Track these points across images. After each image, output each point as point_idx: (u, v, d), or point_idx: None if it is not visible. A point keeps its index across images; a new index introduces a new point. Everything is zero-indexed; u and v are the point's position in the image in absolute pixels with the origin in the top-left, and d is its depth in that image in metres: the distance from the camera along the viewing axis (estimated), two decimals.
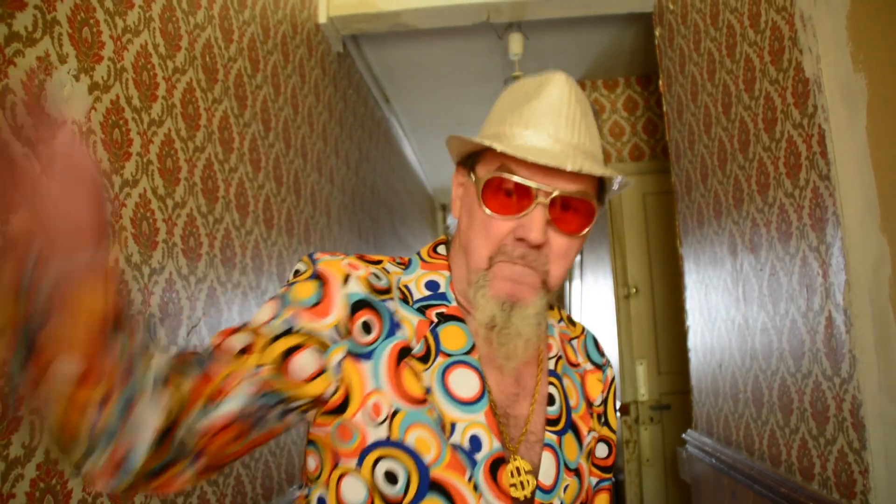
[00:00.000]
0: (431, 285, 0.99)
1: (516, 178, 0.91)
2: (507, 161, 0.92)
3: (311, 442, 0.93)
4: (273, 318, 0.85)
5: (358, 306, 0.90)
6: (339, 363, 0.87)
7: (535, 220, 0.90)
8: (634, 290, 4.26)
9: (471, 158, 1.02)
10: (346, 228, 3.23)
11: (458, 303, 0.98)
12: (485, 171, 0.96)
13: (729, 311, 2.45)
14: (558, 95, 0.96)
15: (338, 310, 0.89)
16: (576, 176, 0.92)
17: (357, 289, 0.91)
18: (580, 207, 0.95)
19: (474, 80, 4.38)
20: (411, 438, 0.87)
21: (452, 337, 0.95)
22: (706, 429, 2.76)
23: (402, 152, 5.40)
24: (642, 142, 4.46)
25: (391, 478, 0.87)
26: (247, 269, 1.94)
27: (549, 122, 0.93)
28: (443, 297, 0.98)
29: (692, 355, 2.93)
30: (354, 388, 0.87)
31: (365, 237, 3.67)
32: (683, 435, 2.99)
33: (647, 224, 4.32)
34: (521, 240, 0.91)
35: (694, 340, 2.89)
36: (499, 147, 0.90)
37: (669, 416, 4.16)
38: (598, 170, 0.91)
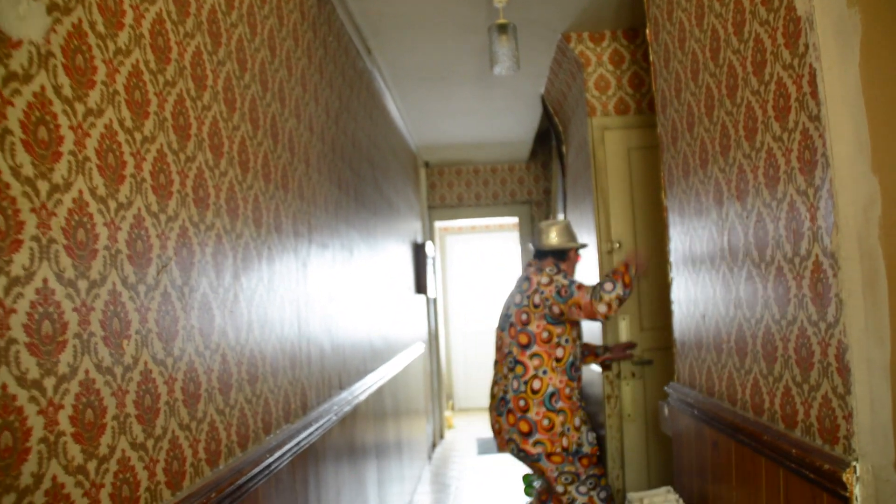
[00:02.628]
0: None
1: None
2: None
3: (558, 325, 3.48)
4: None
5: None
6: None
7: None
8: (618, 244, 4.24)
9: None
10: (326, 177, 3.17)
11: None
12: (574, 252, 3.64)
13: (714, 260, 2.43)
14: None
15: None
16: None
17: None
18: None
19: (459, 31, 4.29)
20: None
21: None
22: (688, 381, 2.75)
23: (384, 106, 5.31)
24: (628, 96, 4.40)
25: (580, 335, 3.35)
26: (221, 212, 1.88)
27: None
28: None
29: (675, 307, 2.91)
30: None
31: (345, 189, 3.61)
32: (665, 388, 2.98)
33: (631, 179, 4.28)
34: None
35: (677, 293, 2.87)
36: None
37: (651, 372, 4.16)
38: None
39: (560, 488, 3.45)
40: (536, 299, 3.55)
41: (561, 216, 6.48)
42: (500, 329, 3.71)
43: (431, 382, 7.75)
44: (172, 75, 1.66)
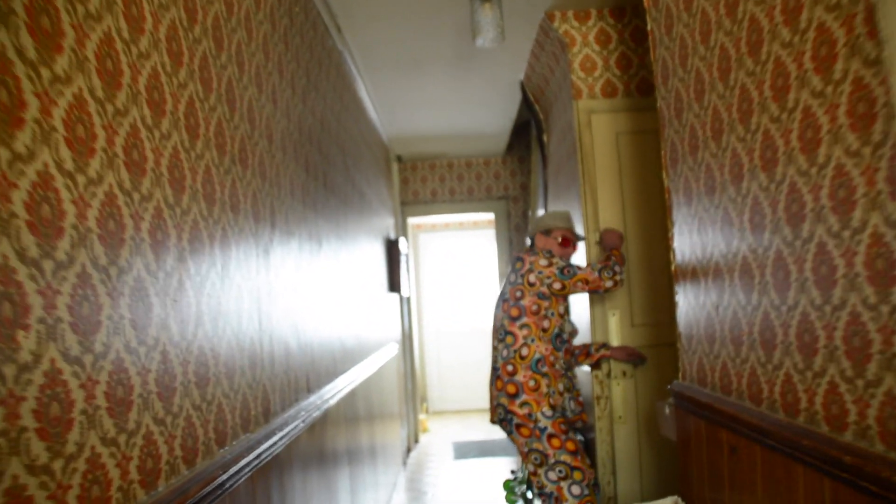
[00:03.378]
0: None
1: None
2: (566, 232, 3.72)
3: (547, 299, 3.61)
4: None
5: None
6: None
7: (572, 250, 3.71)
8: (597, 239, 3.97)
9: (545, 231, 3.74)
10: (291, 158, 2.85)
11: None
12: (557, 234, 3.72)
13: (731, 243, 2.16)
14: (566, 213, 3.78)
15: None
16: None
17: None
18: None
19: (433, 9, 3.99)
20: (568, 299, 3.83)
21: None
22: (697, 378, 2.48)
23: (355, 92, 5.00)
24: (615, 77, 4.13)
25: (567, 310, 3.76)
26: (162, 181, 1.56)
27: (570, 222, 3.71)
28: None
29: (680, 298, 2.63)
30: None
31: (314, 173, 3.29)
32: (669, 387, 2.71)
33: (619, 165, 4.01)
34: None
35: (683, 282, 2.60)
36: (566, 227, 3.74)
37: (643, 371, 3.89)
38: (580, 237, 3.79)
39: (531, 467, 3.46)
40: (532, 278, 3.58)
41: (541, 211, 6.22)
42: (496, 308, 3.78)
43: (405, 384, 7.44)
44: (97, 7, 1.34)
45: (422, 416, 8.63)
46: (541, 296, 3.54)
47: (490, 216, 8.72)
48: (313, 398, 2.87)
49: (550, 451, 3.38)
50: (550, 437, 3.39)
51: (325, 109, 3.75)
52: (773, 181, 1.86)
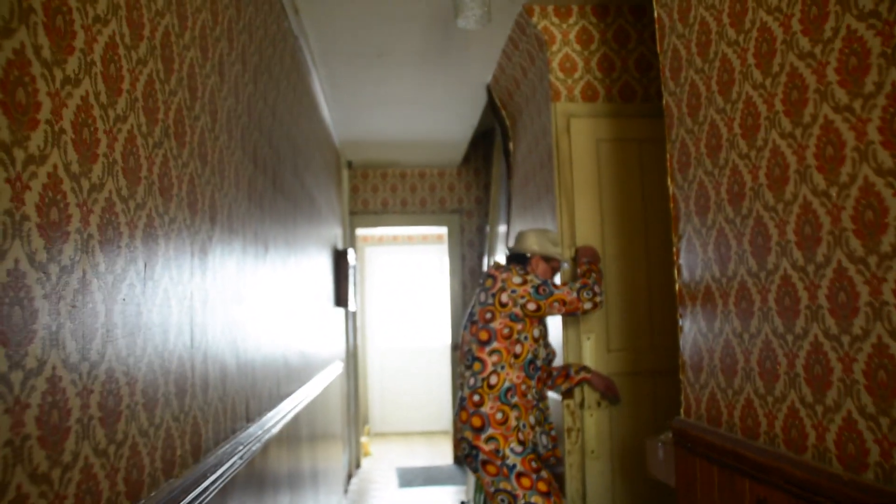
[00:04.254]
0: None
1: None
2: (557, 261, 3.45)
3: (520, 321, 3.24)
4: None
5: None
6: None
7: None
8: (566, 264, 3.63)
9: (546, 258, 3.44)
10: (238, 145, 2.43)
11: None
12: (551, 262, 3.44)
13: (763, 259, 1.82)
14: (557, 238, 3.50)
15: None
16: None
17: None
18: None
19: None
20: (545, 321, 3.39)
21: None
22: (708, 416, 2.14)
23: (308, 84, 4.58)
24: (596, 80, 3.81)
25: (544, 333, 3.35)
26: (62, 142, 1.14)
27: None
28: None
29: (686, 322, 2.29)
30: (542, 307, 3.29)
31: (262, 167, 2.87)
32: (673, 421, 2.36)
33: (599, 176, 3.68)
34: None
35: (689, 305, 2.26)
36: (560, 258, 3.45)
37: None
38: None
39: None
40: (504, 298, 3.22)
41: (503, 227, 5.87)
42: (464, 329, 3.43)
43: (348, 405, 6.97)
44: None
45: (363, 439, 8.16)
46: (513, 317, 3.18)
47: (441, 231, 8.36)
48: (253, 428, 2.43)
49: (520, 492, 3.01)
50: (520, 476, 3.02)
51: (277, 97, 3.33)
52: (836, 182, 1.53)
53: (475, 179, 7.81)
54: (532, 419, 3.14)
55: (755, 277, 1.87)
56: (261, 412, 2.64)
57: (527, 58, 4.20)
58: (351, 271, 6.52)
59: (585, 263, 3.42)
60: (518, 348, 3.17)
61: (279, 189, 3.36)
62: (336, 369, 5.59)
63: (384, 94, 5.33)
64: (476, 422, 3.10)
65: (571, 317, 3.53)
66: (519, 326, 3.17)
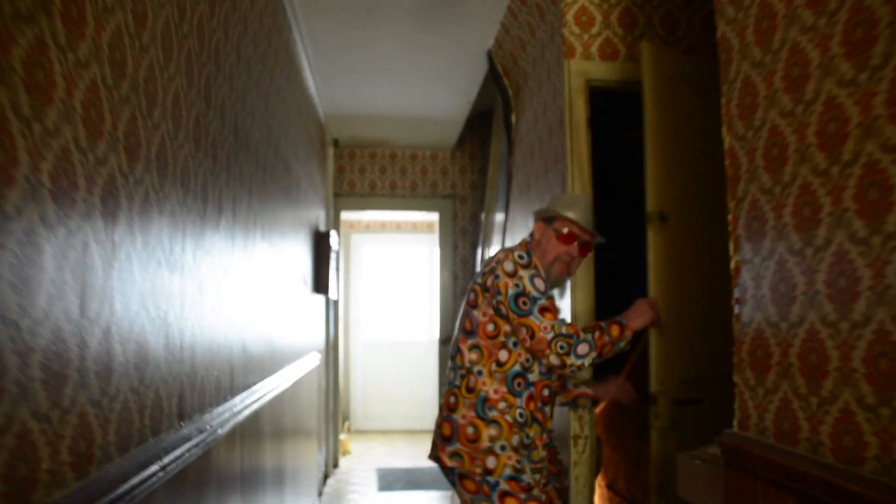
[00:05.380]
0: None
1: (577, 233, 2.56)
2: (573, 226, 2.54)
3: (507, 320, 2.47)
4: None
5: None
6: None
7: (576, 251, 2.57)
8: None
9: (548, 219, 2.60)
10: (196, 90, 1.92)
11: None
12: (561, 225, 2.56)
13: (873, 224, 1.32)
14: (585, 202, 2.60)
15: None
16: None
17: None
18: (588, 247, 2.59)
19: None
20: None
21: None
22: (779, 431, 1.64)
23: (290, 47, 4.06)
24: (616, 37, 3.32)
25: None
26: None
27: (586, 215, 2.57)
28: None
29: (745, 308, 1.80)
30: None
31: (218, 107, 2.36)
32: (723, 435, 1.86)
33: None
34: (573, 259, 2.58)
35: (753, 287, 1.76)
36: (576, 219, 2.55)
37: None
38: (597, 239, 2.61)
39: None
40: (489, 281, 2.50)
41: (500, 216, 5.36)
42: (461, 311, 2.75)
43: (327, 401, 6.46)
44: None
45: (343, 437, 7.65)
46: (500, 312, 2.48)
47: (432, 218, 7.83)
48: (189, 429, 1.92)
49: None
50: (504, 496, 2.38)
51: (252, 55, 2.82)
52: None
53: (470, 163, 7.30)
54: (515, 440, 2.44)
55: (864, 245, 1.37)
56: (203, 408, 2.13)
57: (535, 14, 3.69)
58: (333, 256, 6.00)
59: (617, 323, 2.44)
60: (503, 355, 2.48)
61: (246, 147, 2.84)
62: (312, 361, 5.07)
63: (372, 59, 4.81)
64: (445, 430, 2.50)
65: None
66: (508, 328, 2.48)
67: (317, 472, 5.68)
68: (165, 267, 1.79)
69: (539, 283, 2.46)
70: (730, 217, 1.88)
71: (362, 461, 7.27)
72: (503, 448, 2.41)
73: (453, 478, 2.50)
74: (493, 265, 2.53)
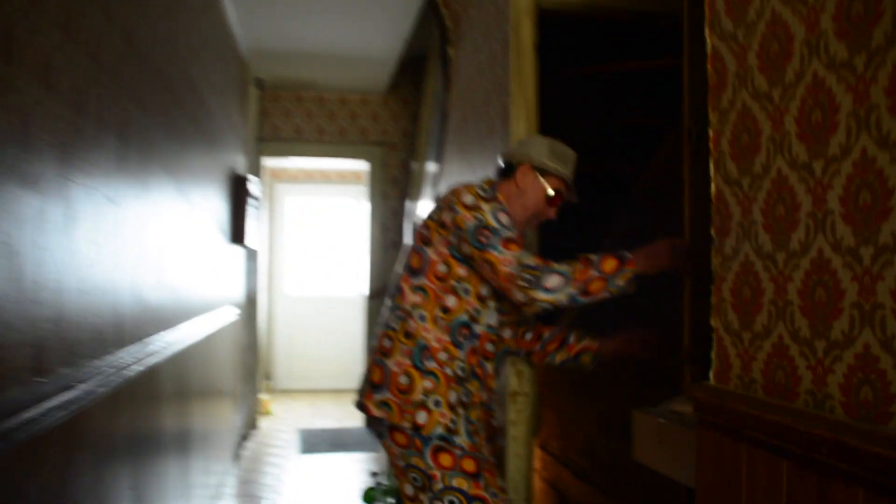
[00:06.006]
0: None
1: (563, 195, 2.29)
2: (563, 186, 2.27)
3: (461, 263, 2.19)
4: None
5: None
6: None
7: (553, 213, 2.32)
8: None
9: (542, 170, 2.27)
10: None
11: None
12: (554, 182, 2.26)
13: None
14: (573, 156, 2.30)
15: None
16: None
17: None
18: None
19: None
20: None
21: None
22: (770, 383, 1.37)
23: None
24: None
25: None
26: None
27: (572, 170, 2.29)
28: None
29: (727, 240, 1.52)
30: None
31: (121, 27, 1.94)
32: (693, 388, 1.58)
33: None
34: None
35: (740, 213, 1.49)
36: (568, 179, 2.28)
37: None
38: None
39: (409, 489, 2.15)
40: (447, 217, 2.19)
41: (433, 166, 5.02)
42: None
43: (245, 358, 6.07)
44: None
45: (264, 396, 7.27)
46: (455, 252, 2.19)
47: (361, 167, 7.40)
48: (51, 386, 1.55)
49: (437, 472, 2.10)
50: (438, 451, 2.11)
51: None
52: None
53: (403, 109, 6.91)
54: (453, 396, 2.16)
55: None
56: (73, 362, 1.75)
57: None
58: (253, 204, 5.57)
59: (617, 257, 2.06)
60: (451, 300, 2.20)
61: (141, 57, 2.42)
62: (227, 315, 4.68)
63: None
64: (376, 375, 2.20)
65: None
66: (462, 272, 2.19)
67: (233, 434, 5.32)
68: (12, 178, 1.40)
69: (504, 217, 2.15)
70: (710, 132, 1.59)
71: (284, 422, 6.92)
72: (437, 403, 2.12)
73: (381, 429, 2.18)
74: (450, 199, 2.21)
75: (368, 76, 6.36)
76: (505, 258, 2.07)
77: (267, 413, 7.20)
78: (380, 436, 2.21)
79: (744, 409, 1.39)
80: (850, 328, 1.18)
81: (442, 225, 2.20)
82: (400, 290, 2.26)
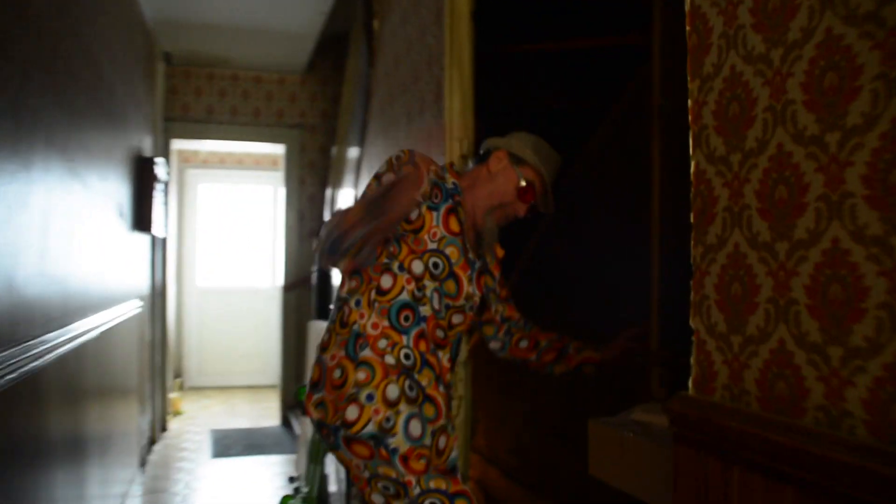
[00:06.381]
0: (455, 187, 1.97)
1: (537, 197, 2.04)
2: (540, 186, 2.03)
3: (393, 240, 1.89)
4: None
5: (432, 183, 1.90)
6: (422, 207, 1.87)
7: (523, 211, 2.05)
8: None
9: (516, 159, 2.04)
10: None
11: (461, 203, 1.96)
12: (528, 174, 2.02)
13: None
14: (557, 162, 2.05)
15: (426, 183, 1.74)
16: None
17: (433, 175, 1.91)
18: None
19: None
20: (447, 250, 1.89)
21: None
22: (769, 395, 1.17)
23: None
24: None
25: (436, 266, 1.88)
26: None
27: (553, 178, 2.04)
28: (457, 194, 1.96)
29: (710, 227, 1.31)
30: (427, 221, 1.88)
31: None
32: (672, 400, 1.37)
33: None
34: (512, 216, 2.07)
35: (727, 194, 1.28)
36: (547, 180, 2.03)
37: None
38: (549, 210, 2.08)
39: (378, 499, 1.86)
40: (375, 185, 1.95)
41: (354, 151, 4.72)
42: None
43: (152, 355, 5.64)
44: None
45: (174, 395, 6.83)
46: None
47: (278, 151, 6.99)
48: None
49: (411, 478, 1.80)
50: (406, 458, 1.82)
51: None
52: None
53: (322, 90, 6.56)
54: (392, 392, 1.86)
55: None
56: None
57: None
58: (160, 188, 5.15)
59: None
60: (386, 280, 1.92)
61: (16, 10, 2.06)
62: (130, 309, 4.28)
63: None
64: (314, 374, 1.95)
65: None
66: (392, 247, 1.93)
67: (139, 438, 4.91)
68: None
69: (409, 163, 1.89)
70: (689, 103, 1.38)
71: (196, 422, 6.50)
72: (370, 398, 1.82)
73: (336, 440, 1.86)
74: (386, 165, 1.94)
75: (286, 53, 5.99)
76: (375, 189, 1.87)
77: (178, 413, 6.76)
78: (334, 447, 1.92)
79: (735, 425, 1.19)
80: (876, 332, 0.98)
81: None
82: (341, 280, 2.00)
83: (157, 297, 5.76)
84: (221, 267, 8.42)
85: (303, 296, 6.40)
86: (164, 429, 6.12)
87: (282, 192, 6.71)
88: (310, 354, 5.74)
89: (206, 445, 5.65)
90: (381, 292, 1.90)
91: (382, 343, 1.88)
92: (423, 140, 2.86)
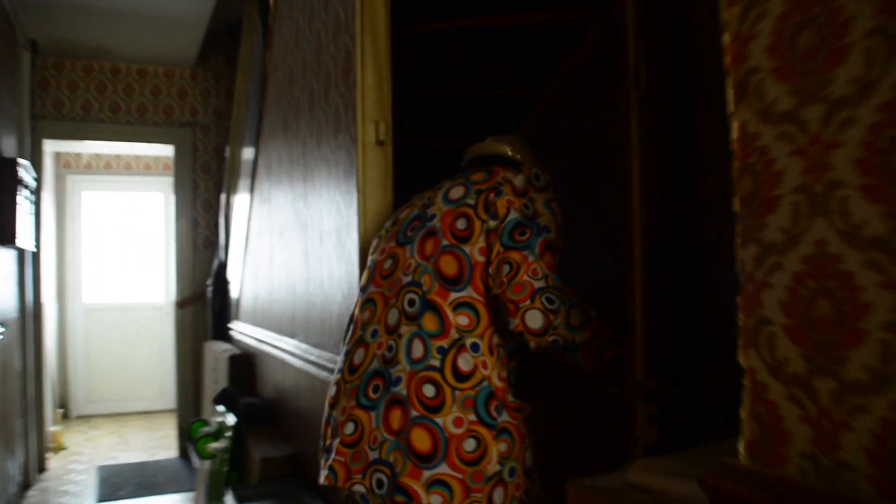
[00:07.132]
0: None
1: None
2: None
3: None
4: None
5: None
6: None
7: None
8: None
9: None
10: None
11: None
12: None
13: None
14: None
15: None
16: None
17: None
18: None
19: None
20: None
21: None
22: (871, 470, 0.75)
23: None
24: None
25: None
26: None
27: None
28: None
29: (773, 219, 0.88)
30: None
31: None
32: (715, 469, 0.94)
33: None
34: None
35: (797, 168, 0.85)
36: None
37: None
38: None
39: None
40: (501, 205, 1.57)
41: (249, 151, 4.18)
42: (384, 246, 1.75)
43: (24, 386, 4.91)
44: None
45: (56, 428, 6.06)
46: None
47: (168, 151, 6.30)
48: None
49: None
50: None
51: None
52: None
53: (216, 85, 5.95)
54: (528, 457, 1.55)
55: None
56: None
57: None
58: (26, 194, 4.46)
59: (611, 328, 1.65)
60: (513, 322, 1.54)
61: None
62: None
63: None
64: (421, 441, 1.47)
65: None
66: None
67: (3, 485, 4.20)
68: None
69: (557, 208, 1.61)
70: (725, 38, 0.95)
71: (81, 458, 5.76)
72: (512, 473, 1.49)
73: None
74: (494, 181, 1.62)
75: (174, 43, 5.36)
76: (535, 266, 1.50)
77: (60, 448, 6.00)
78: None
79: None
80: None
81: (491, 215, 1.57)
82: (434, 308, 1.54)
83: (28, 319, 5.03)
84: (110, 282, 7.64)
85: (198, 312, 5.77)
86: (41, 469, 5.37)
87: (171, 197, 6.05)
88: (207, 376, 5.13)
89: (92, 486, 4.95)
90: (503, 334, 1.55)
91: (511, 398, 1.53)
92: (330, 126, 2.38)
